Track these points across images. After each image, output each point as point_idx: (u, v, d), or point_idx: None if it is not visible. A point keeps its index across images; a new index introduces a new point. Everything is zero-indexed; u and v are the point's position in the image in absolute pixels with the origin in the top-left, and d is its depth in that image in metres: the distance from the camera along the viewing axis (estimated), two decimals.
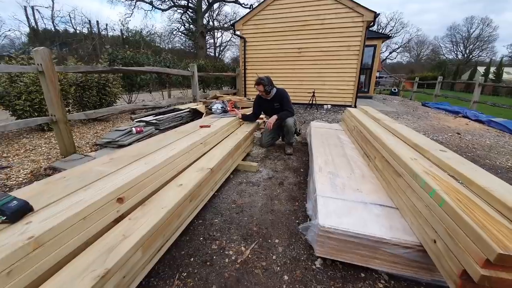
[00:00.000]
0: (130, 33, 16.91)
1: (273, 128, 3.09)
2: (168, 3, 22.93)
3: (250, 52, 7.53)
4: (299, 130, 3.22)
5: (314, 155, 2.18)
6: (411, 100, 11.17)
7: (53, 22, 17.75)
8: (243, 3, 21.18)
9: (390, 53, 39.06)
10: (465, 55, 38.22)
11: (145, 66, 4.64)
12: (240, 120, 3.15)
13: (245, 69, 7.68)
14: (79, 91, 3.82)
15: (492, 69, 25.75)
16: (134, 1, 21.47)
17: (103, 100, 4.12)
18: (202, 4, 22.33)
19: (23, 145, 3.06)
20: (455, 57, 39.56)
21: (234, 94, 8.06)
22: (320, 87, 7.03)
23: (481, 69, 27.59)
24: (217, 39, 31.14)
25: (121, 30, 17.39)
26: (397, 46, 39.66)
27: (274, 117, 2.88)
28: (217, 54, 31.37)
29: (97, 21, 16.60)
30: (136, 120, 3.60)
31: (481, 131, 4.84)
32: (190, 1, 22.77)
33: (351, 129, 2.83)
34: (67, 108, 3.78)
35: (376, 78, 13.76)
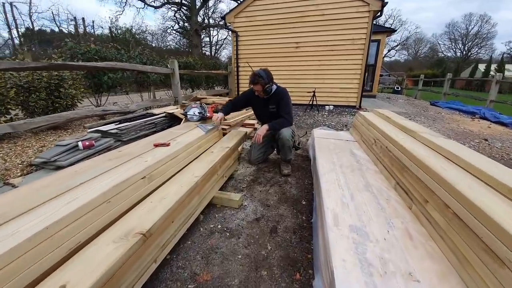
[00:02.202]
0: (119, 31, 16.04)
1: (264, 140, 2.35)
2: (161, 0, 22.09)
3: (242, 48, 6.78)
4: (299, 144, 2.48)
5: (323, 188, 1.44)
6: (416, 99, 10.48)
7: (30, 18, 16.85)
8: (238, 0, 20.39)
9: (389, 50, 38.32)
10: (464, 53, 37.70)
11: (114, 62, 3.87)
12: (221, 130, 2.41)
13: (237, 66, 6.93)
14: (23, 94, 3.04)
15: (493, 66, 25.20)
16: None
17: (57, 104, 3.35)
18: (197, 1, 21.54)
19: None
20: (453, 54, 39.06)
21: (227, 94, 7.31)
22: (321, 86, 6.30)
23: (481, 67, 27.05)
24: (213, 37, 30.29)
25: (109, 27, 16.52)
26: (395, 44, 39.00)
27: (265, 127, 2.13)
28: (213, 53, 30.53)
29: (83, 18, 15.72)
30: (90, 130, 2.83)
31: (509, 136, 4.13)
32: None
33: (369, 142, 2.09)
34: (9, 116, 3.01)
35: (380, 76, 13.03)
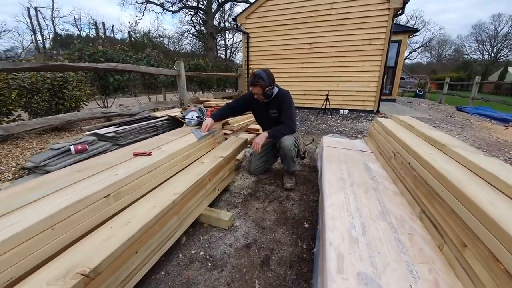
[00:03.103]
0: (137, 35, 16.54)
1: (264, 148, 2.11)
2: (178, 5, 22.62)
3: (253, 49, 6.59)
4: (305, 153, 2.21)
5: (328, 214, 1.16)
6: (441, 103, 9.73)
7: (52, 22, 17.83)
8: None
9: (410, 52, 36.60)
10: (492, 55, 35.10)
11: (126, 64, 3.82)
12: (223, 135, 2.20)
13: (248, 68, 6.74)
14: (26, 95, 3.02)
15: None
16: (145, 3, 21.36)
17: (60, 106, 3.31)
18: (213, 5, 21.82)
19: None
20: (480, 56, 36.50)
21: (238, 96, 7.14)
22: (335, 89, 5.95)
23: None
24: (228, 40, 30.55)
25: (128, 32, 17.09)
26: (417, 46, 37.19)
27: (264, 134, 1.88)
28: (228, 56, 30.76)
29: (103, 23, 16.37)
30: (87, 133, 2.73)
31: None
32: (201, 2, 22.35)
33: (387, 155, 1.77)
34: (12, 117, 2.99)
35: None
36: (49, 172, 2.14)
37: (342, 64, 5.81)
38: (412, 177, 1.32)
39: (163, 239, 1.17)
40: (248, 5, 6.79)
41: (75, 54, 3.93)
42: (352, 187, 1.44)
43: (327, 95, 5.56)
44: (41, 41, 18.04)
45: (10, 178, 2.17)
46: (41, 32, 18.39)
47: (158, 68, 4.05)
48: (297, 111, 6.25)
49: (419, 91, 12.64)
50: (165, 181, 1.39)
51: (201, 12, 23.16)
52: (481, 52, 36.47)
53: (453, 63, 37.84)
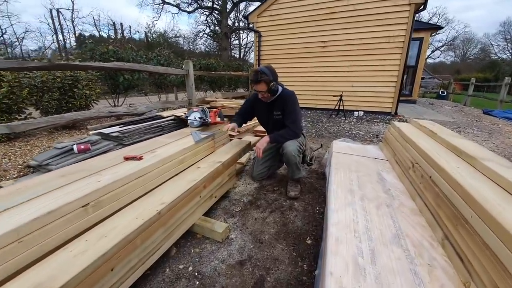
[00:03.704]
0: (153, 35, 16.93)
1: (268, 153, 1.97)
2: (194, 5, 22.94)
3: (265, 48, 6.46)
4: (312, 159, 2.04)
5: (331, 234, 1.01)
6: (466, 105, 9.07)
7: (73, 23, 18.65)
8: None
9: (433, 51, 34.69)
10: None
11: (133, 63, 3.83)
12: (228, 137, 2.10)
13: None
14: (37, 93, 3.08)
15: None
16: (162, 4, 21.85)
17: (70, 104, 3.36)
18: (227, 5, 21.91)
19: None
20: (509, 56, 33.87)
21: (249, 96, 7.04)
22: (349, 89, 5.68)
23: None
24: (242, 40, 30.58)
25: (145, 32, 17.53)
26: (441, 44, 35.21)
27: (265, 139, 1.75)
28: (241, 55, 30.80)
29: (121, 24, 16.91)
30: (92, 132, 2.73)
31: None
32: (215, 3, 22.54)
33: (404, 164, 1.58)
34: (23, 115, 3.06)
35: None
36: (51, 171, 2.14)
37: (358, 63, 5.53)
38: (434, 194, 1.13)
39: (146, 253, 1.07)
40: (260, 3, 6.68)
41: (87, 54, 4.00)
42: (362, 201, 1.27)
43: (341, 95, 5.31)
44: (62, 41, 19.01)
45: (15, 176, 2.19)
46: (62, 32, 19.38)
47: (166, 67, 4.02)
48: (309, 112, 6.03)
49: (442, 92, 11.90)
50: (155, 188, 1.29)
51: (216, 12, 23.36)
52: (510, 51, 33.91)
53: (478, 63, 35.46)
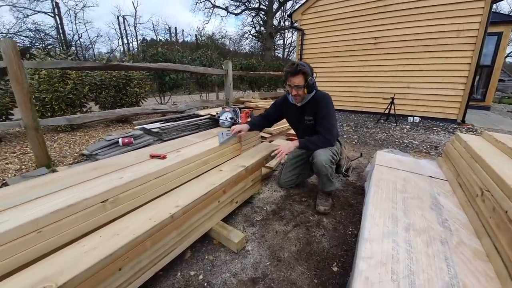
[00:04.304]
0: (202, 38, 18.03)
1: (299, 159, 1.81)
2: (241, 7, 23.63)
3: (308, 47, 6.18)
4: (348, 170, 1.80)
5: (359, 272, 0.82)
6: None
7: (135, 28, 21.00)
8: None
9: None
10: None
11: (176, 64, 4.08)
12: (259, 138, 2.01)
13: None
14: (96, 90, 3.50)
15: None
16: (212, 8, 23.12)
17: (123, 101, 3.73)
18: (274, 5, 21.92)
19: (21, 148, 2.82)
20: None
21: None
22: (404, 91, 5.02)
23: None
24: (287, 39, 30.22)
25: (195, 35, 18.79)
26: None
27: (294, 143, 1.59)
28: (284, 55, 30.49)
29: (175, 28, 18.45)
30: (136, 127, 2.96)
31: None
32: (262, 3, 22.79)
33: (471, 190, 1.24)
34: (85, 109, 3.52)
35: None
36: (98, 160, 2.39)
37: (416, 62, 4.83)
38: (510, 236, 0.83)
39: (158, 255, 1.04)
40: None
41: (140, 55, 4.42)
42: (407, 232, 1.02)
43: (393, 98, 4.70)
44: (126, 45, 21.78)
45: (70, 163, 2.50)
46: (126, 36, 22.20)
47: (206, 67, 4.15)
48: (353, 116, 5.54)
49: None
50: (174, 188, 1.28)
51: (262, 12, 23.59)
52: None
53: None
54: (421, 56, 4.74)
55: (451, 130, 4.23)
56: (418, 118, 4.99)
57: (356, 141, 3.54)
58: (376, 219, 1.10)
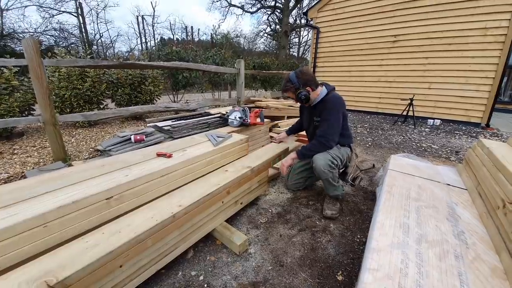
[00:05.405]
0: (218, 36, 18.17)
1: (306, 162, 1.77)
2: (257, 5, 23.58)
3: (323, 45, 6.04)
4: (355, 179, 1.73)
5: (364, 285, 0.77)
6: None
7: (153, 27, 21.53)
8: None
9: None
10: None
11: (189, 62, 4.13)
12: (269, 138, 2.02)
13: (314, 66, 6.24)
14: (113, 88, 3.61)
15: None
16: (228, 7, 23.25)
17: (138, 99, 3.83)
18: (290, 3, 21.67)
19: (40, 142, 2.97)
20: None
21: None
22: (424, 92, 4.79)
23: None
24: (302, 37, 29.80)
25: (211, 34, 18.97)
26: None
27: (292, 155, 1.65)
28: (300, 54, 30.08)
29: (192, 27, 18.73)
30: (149, 124, 3.02)
31: None
32: (278, 1, 22.62)
33: (491, 200, 1.14)
34: (102, 106, 3.65)
35: None
36: (111, 156, 2.46)
37: (437, 61, 4.58)
38: None
39: (159, 254, 1.05)
40: None
41: (155, 54, 4.51)
42: (418, 245, 0.96)
43: (412, 99, 4.49)
44: (145, 44, 22.36)
45: (85, 157, 2.59)
46: (145, 36, 22.81)
47: (218, 66, 4.16)
48: (368, 117, 5.36)
49: None
50: (178, 187, 1.28)
51: (278, 10, 23.40)
52: None
53: None
54: (444, 55, 4.49)
55: (474, 134, 3.97)
56: (439, 120, 4.73)
57: (370, 143, 3.41)
58: (386, 228, 1.04)
